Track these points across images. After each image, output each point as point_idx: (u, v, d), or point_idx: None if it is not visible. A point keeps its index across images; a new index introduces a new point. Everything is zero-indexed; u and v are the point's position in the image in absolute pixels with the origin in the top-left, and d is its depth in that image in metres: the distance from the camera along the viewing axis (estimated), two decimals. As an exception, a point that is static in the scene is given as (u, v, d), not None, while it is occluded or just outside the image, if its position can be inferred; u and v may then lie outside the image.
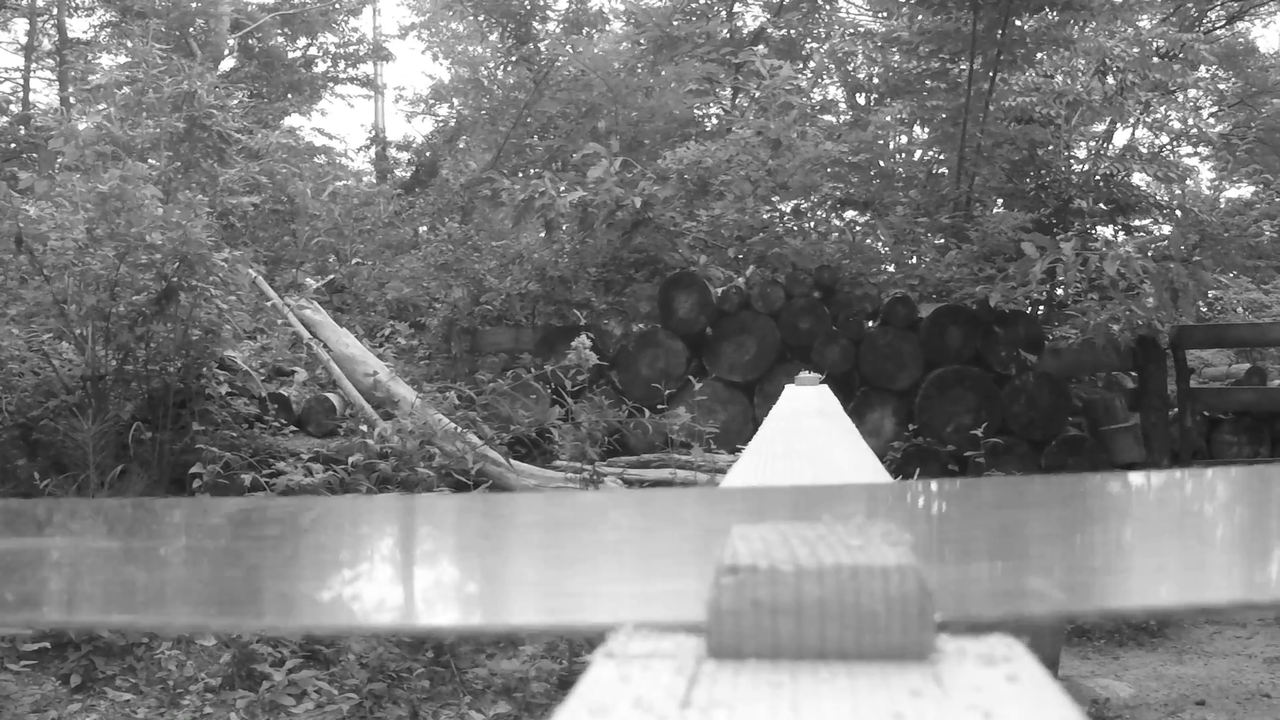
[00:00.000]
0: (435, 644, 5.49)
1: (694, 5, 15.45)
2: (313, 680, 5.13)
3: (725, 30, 14.77)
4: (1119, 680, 6.33)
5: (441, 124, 18.65)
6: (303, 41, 20.34)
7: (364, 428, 7.17)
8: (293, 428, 7.58)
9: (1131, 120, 14.06)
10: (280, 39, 19.84)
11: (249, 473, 6.51)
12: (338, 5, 20.04)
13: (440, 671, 5.39)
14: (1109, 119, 13.71)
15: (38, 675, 5.07)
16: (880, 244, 11.70)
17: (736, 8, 15.75)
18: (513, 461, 7.33)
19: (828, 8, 16.33)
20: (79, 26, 19.37)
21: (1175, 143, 15.10)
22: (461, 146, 17.79)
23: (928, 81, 13.17)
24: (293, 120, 18.96)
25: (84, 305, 6.91)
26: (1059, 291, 10.43)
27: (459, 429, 7.04)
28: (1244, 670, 6.77)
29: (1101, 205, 12.65)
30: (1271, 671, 6.73)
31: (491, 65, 17.24)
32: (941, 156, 13.96)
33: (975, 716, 0.44)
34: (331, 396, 7.82)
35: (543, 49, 15.03)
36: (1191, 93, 15.20)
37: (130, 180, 6.84)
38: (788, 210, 11.10)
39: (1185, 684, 6.46)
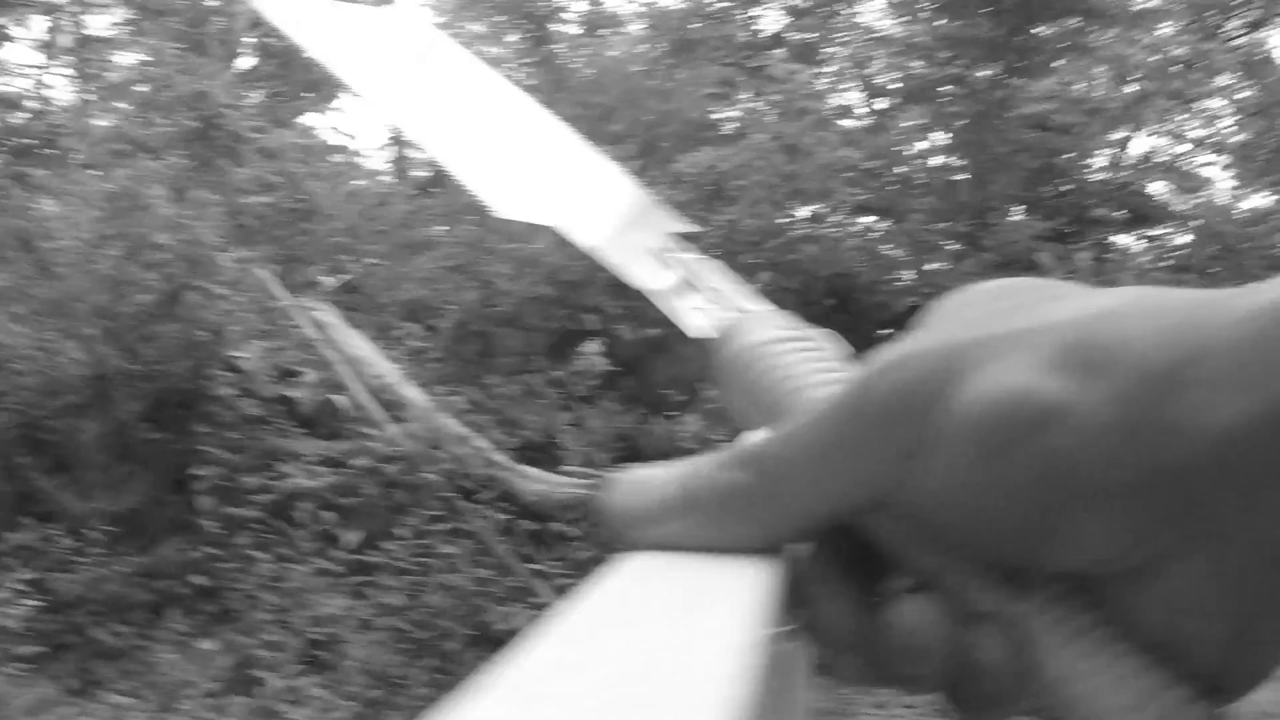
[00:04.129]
0: (438, 651, 5.47)
1: (712, 8, 15.40)
2: (312, 686, 5.10)
3: (743, 34, 14.71)
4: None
5: (459, 125, 18.64)
6: (322, 41, 20.36)
7: (373, 430, 7.14)
8: (300, 430, 7.55)
9: (1150, 129, 13.96)
10: (299, 38, 19.85)
11: (253, 475, 6.49)
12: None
13: (442, 679, 5.35)
14: (1127, 127, 13.61)
15: (34, 678, 5.05)
16: (897, 250, 11.62)
17: (754, 11, 15.69)
18: (521, 466, 7.28)
19: (846, 11, 16.26)
20: (98, 24, 19.41)
21: (1194, 152, 14.98)
22: (479, 148, 17.80)
23: (947, 87, 13.09)
24: (309, 119, 18.97)
25: (91, 304, 6.89)
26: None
27: (468, 433, 7.00)
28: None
29: (1119, 214, 12.55)
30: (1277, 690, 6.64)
31: (509, 66, 17.22)
32: (959, 163, 13.88)
33: None
34: (341, 399, 7.78)
35: (559, 51, 15.01)
36: (1209, 102, 15.09)
37: (140, 179, 6.83)
38: (804, 215, 11.03)
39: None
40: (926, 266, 11.40)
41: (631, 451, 8.08)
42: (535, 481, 7.24)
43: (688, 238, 0.55)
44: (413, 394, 7.72)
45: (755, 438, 0.35)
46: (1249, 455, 0.28)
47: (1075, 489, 0.29)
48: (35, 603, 5.31)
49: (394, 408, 7.53)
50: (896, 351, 0.32)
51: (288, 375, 8.08)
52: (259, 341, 8.01)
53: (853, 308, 8.78)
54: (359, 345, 8.37)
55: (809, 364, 0.39)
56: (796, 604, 0.34)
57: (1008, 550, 0.31)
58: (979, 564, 0.32)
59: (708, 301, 0.50)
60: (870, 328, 8.69)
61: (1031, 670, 0.32)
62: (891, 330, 8.75)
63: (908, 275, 11.04)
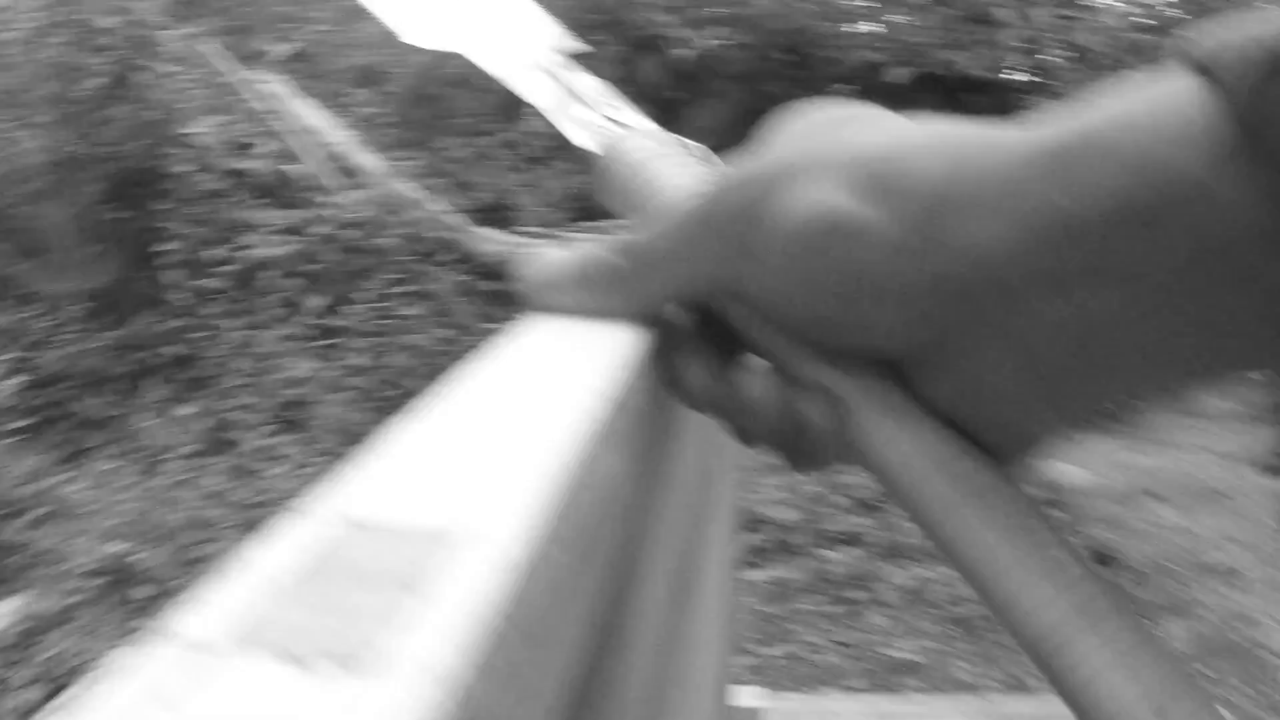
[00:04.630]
0: (404, 409, 5.75)
1: None
2: (285, 445, 5.39)
3: None
4: (1077, 466, 6.25)
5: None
6: None
7: (329, 198, 7.27)
8: (259, 201, 7.66)
9: None
10: None
11: (216, 247, 6.66)
12: None
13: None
14: None
15: (25, 450, 5.33)
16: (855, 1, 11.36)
17: None
18: (477, 228, 7.45)
19: None
20: None
21: None
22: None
23: None
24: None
25: (42, 93, 6.89)
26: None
27: (423, 197, 7.14)
28: (1204, 465, 6.75)
29: None
30: (1227, 469, 6.69)
31: None
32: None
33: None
34: (296, 168, 7.87)
35: None
36: None
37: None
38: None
39: (1140, 473, 6.46)
40: (887, 18, 11.19)
41: (585, 211, 8.23)
42: (491, 243, 7.43)
43: (578, 58, 0.61)
44: (367, 160, 7.83)
45: (632, 233, 0.42)
46: (1008, 270, 0.33)
47: (869, 290, 0.36)
48: (20, 380, 5.56)
49: (349, 174, 7.65)
50: (738, 170, 0.39)
51: (242, 148, 8.13)
52: (211, 116, 8.03)
53: (808, 62, 8.73)
54: (311, 114, 8.41)
55: (678, 176, 0.46)
56: (668, 366, 0.43)
57: (826, 336, 0.38)
58: (807, 346, 0.39)
59: (594, 117, 0.57)
60: (823, 82, 8.65)
61: (847, 433, 0.39)
62: (843, 85, 8.75)
63: (866, 27, 10.81)
